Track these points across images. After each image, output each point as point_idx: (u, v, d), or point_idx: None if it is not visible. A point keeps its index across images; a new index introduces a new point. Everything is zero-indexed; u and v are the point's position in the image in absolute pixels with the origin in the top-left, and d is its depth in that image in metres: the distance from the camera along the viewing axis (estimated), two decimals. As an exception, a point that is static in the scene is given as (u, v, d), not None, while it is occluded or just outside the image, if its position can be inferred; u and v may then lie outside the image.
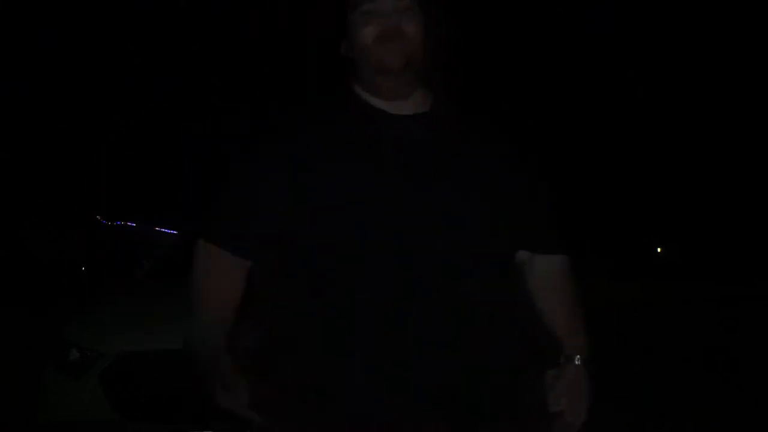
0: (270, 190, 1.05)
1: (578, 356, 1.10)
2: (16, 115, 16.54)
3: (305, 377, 1.01)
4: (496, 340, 1.04)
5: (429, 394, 0.98)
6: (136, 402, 2.31)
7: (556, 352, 1.11)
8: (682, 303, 10.85)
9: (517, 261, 1.15)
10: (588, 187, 20.91)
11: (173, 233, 8.21)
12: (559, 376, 1.09)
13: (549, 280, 1.14)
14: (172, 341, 2.41)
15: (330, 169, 1.02)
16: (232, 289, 1.09)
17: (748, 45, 18.20)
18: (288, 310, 1.03)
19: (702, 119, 20.05)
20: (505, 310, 1.08)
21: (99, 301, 2.94)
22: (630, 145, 21.61)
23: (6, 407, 3.96)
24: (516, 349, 1.07)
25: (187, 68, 15.62)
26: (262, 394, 0.99)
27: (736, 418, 3.82)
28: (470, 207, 1.05)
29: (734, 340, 6.77)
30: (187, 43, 15.17)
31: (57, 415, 2.40)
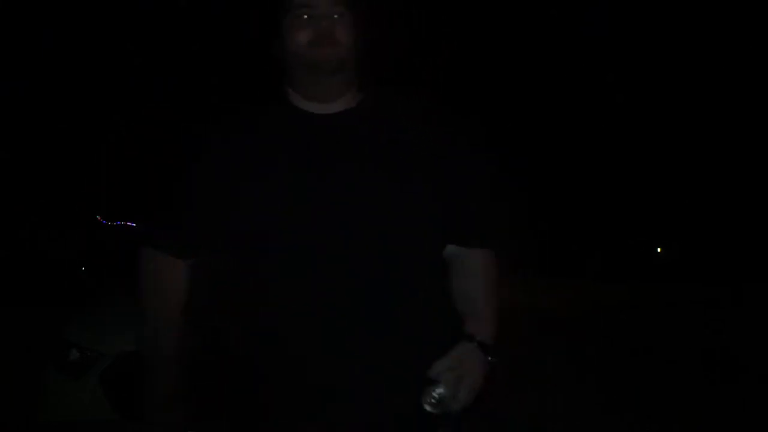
0: (203, 191, 1.08)
1: (476, 337, 1.07)
2: (17, 115, 16.52)
3: (238, 373, 1.05)
4: (423, 329, 1.06)
5: (360, 385, 1.01)
6: (136, 402, 2.31)
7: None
8: (668, 305, 10.87)
9: (447, 254, 1.15)
10: (586, 191, 20.84)
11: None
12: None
13: (467, 268, 1.15)
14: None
15: (258, 170, 1.06)
16: (173, 289, 1.11)
17: (754, 44, 18.22)
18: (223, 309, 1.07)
19: (696, 123, 20.05)
20: (435, 301, 1.10)
21: (99, 301, 2.94)
22: (628, 150, 21.55)
23: (6, 407, 3.96)
24: (443, 338, 1.06)
25: (187, 68, 15.60)
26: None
27: (724, 420, 3.82)
28: (394, 197, 1.06)
29: (724, 341, 6.79)
30: (187, 43, 15.15)
31: (57, 415, 2.40)
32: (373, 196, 1.05)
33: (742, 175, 20.14)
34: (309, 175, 1.05)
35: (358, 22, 1.09)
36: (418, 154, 1.10)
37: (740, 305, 10.34)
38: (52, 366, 2.51)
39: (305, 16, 1.06)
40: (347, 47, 1.08)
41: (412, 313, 1.05)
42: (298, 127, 1.09)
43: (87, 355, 2.43)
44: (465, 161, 1.16)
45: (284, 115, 1.11)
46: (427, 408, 1.00)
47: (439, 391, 1.00)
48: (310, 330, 1.01)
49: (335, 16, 1.07)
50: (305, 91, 1.11)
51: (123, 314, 2.71)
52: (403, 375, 1.02)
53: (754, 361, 5.53)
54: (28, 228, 15.27)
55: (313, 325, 1.01)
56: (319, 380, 1.00)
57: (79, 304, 2.93)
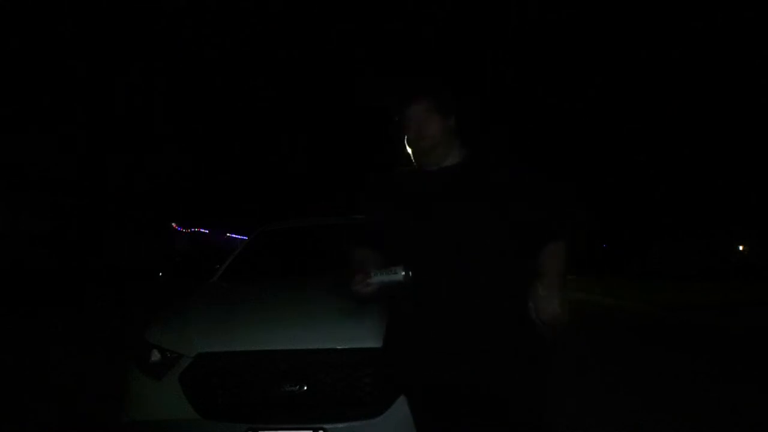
0: (387, 220, 1.96)
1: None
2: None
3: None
4: (505, 310, 1.80)
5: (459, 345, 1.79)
6: (215, 401, 2.37)
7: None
8: (755, 305, 10.26)
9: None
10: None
11: (244, 239, 8.41)
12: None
13: (546, 251, 1.81)
14: (248, 342, 2.48)
15: (405, 209, 1.91)
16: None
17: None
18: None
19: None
20: (514, 293, 1.79)
21: (177, 304, 3.03)
22: (710, 143, 20.57)
23: (91, 407, 4.17)
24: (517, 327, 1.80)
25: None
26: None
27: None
28: (486, 219, 1.82)
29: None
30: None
31: (140, 415, 2.48)
32: (473, 222, 1.81)
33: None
34: (433, 208, 1.85)
35: (443, 113, 1.91)
36: (504, 191, 1.83)
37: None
38: (135, 367, 2.60)
39: (406, 120, 1.94)
40: (435, 136, 1.90)
41: (496, 297, 1.80)
42: (427, 181, 1.93)
43: (167, 356, 2.50)
44: (534, 189, 1.85)
45: (417, 175, 1.97)
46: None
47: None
48: (439, 306, 1.80)
49: (423, 117, 1.90)
50: (420, 162, 1.97)
51: (200, 317, 2.79)
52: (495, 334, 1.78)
53: None
54: (109, 236, 16.09)
55: (441, 305, 1.80)
56: (445, 331, 1.79)
57: (158, 308, 3.04)
